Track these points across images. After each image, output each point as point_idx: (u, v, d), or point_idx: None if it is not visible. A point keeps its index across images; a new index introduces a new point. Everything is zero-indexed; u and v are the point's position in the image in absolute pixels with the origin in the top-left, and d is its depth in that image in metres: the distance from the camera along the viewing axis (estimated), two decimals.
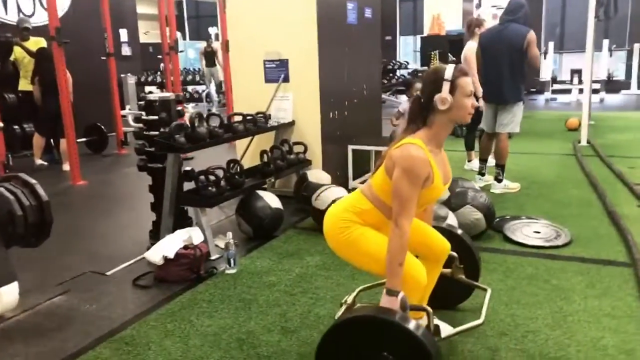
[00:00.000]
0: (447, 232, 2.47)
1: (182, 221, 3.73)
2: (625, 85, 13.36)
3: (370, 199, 2.10)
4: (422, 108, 2.02)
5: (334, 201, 3.84)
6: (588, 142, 6.88)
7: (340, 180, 4.95)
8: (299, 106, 4.73)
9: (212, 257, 3.50)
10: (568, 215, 4.11)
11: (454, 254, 2.41)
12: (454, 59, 8.71)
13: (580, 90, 12.89)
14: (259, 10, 4.71)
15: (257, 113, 4.47)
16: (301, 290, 3.02)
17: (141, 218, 4.19)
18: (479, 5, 9.79)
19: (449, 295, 2.57)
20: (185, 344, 2.50)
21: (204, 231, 3.48)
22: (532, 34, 4.64)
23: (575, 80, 12.96)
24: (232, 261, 3.29)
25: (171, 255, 3.16)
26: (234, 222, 4.07)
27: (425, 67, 8.28)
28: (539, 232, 3.70)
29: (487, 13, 8.54)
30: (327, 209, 3.84)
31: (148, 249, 3.31)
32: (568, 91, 12.80)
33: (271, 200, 3.91)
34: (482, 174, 5.15)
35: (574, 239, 3.58)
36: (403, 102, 5.19)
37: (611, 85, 12.98)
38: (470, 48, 5.42)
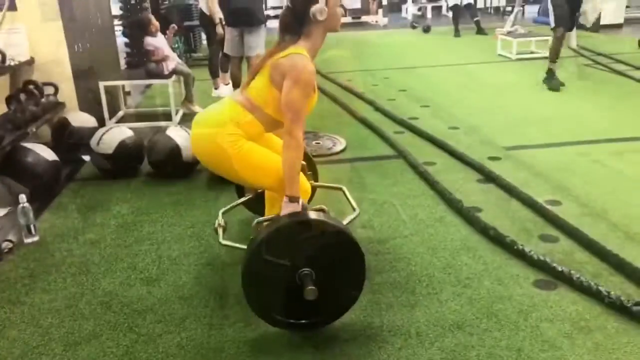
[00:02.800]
0: None
1: None
2: None
3: (250, 110, 2.07)
4: (296, 19, 2.04)
5: (122, 142, 3.56)
6: None
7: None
8: (36, 40, 3.97)
9: None
10: (329, 125, 4.63)
11: (302, 162, 2.56)
12: None
13: None
14: None
15: None
16: (135, 240, 2.77)
17: None
18: None
19: None
20: (38, 327, 2.10)
21: None
22: None
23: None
24: (32, 228, 2.77)
25: None
26: None
27: None
28: (319, 143, 4.13)
29: None
30: (113, 153, 3.57)
31: None
32: None
33: (43, 152, 3.34)
34: None
35: (348, 144, 4.13)
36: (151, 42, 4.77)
37: None
38: None
